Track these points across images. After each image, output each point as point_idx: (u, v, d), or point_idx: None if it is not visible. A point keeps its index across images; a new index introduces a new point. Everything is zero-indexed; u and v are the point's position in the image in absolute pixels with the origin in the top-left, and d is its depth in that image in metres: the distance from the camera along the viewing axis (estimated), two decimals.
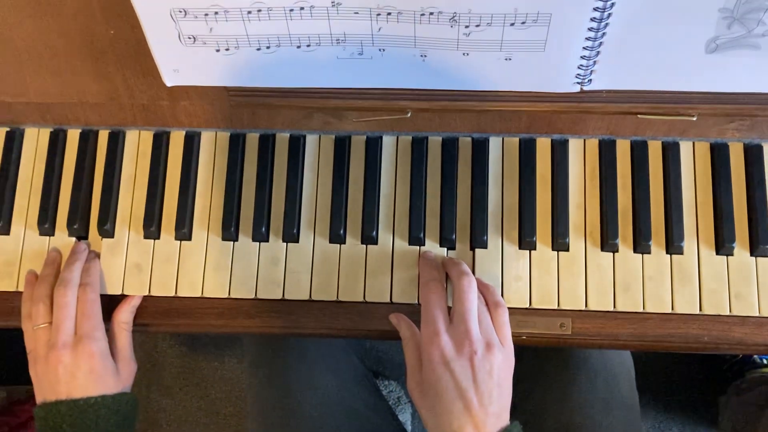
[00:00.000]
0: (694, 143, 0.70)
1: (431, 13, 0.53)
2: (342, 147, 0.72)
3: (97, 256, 0.71)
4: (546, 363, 0.87)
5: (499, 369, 0.60)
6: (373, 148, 0.72)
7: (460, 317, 0.61)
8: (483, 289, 0.65)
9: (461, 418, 0.57)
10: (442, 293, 0.64)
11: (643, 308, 0.68)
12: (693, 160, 0.70)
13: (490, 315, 0.63)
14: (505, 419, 0.60)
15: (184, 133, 0.73)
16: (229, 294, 0.70)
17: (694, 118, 0.61)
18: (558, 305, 0.68)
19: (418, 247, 0.70)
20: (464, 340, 0.59)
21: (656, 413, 1.37)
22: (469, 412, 0.57)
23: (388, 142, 0.72)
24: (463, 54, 0.56)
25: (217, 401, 1.44)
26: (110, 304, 0.70)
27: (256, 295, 0.70)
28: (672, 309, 0.68)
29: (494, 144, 0.72)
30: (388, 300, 0.69)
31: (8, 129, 0.74)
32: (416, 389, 0.61)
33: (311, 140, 0.73)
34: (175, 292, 0.70)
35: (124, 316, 0.70)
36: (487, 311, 0.63)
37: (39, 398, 0.65)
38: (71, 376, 0.64)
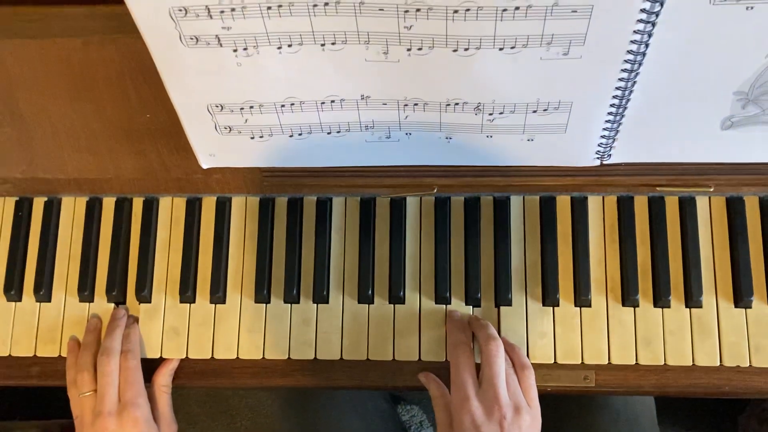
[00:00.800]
0: (710, 198, 0.72)
1: (456, 104, 0.55)
2: (367, 209, 0.74)
3: (136, 321, 0.74)
4: (567, 405, 0.89)
5: (527, 431, 0.62)
6: (398, 209, 0.74)
7: (489, 382, 0.63)
8: (509, 349, 0.67)
9: None
10: (470, 356, 0.66)
11: (665, 362, 0.70)
12: (710, 215, 0.72)
13: (517, 377, 0.65)
14: None
15: (215, 199, 0.75)
16: (263, 356, 0.73)
17: (711, 189, 0.63)
18: (582, 360, 0.71)
19: (444, 306, 0.72)
20: (494, 406, 0.61)
21: None
22: None
23: (411, 202, 0.74)
24: (487, 136, 0.58)
25: (243, 429, 1.46)
26: (149, 366, 0.73)
27: (289, 356, 0.72)
28: (693, 362, 0.70)
29: (515, 202, 0.74)
30: (416, 358, 0.72)
31: (46, 199, 0.76)
32: None
33: (338, 203, 0.75)
34: (212, 355, 0.73)
35: (164, 379, 0.72)
36: (514, 373, 0.65)
37: None
38: None
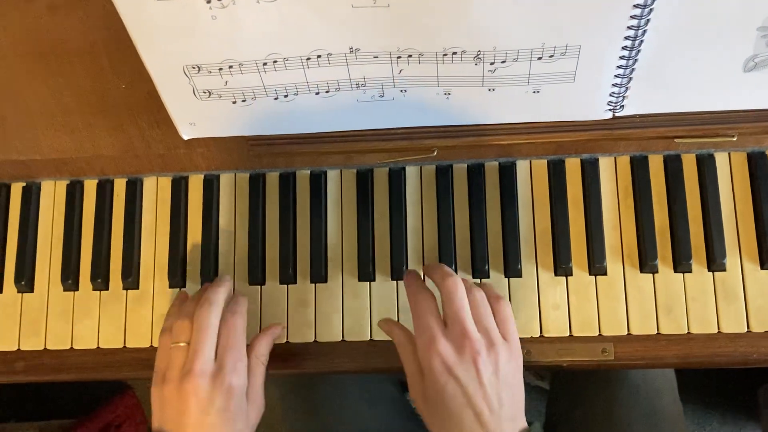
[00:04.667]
0: (730, 153, 0.68)
1: (454, 53, 0.50)
2: (365, 181, 0.70)
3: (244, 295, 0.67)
4: (585, 380, 0.85)
5: (505, 367, 0.55)
6: (397, 180, 0.70)
7: (454, 318, 0.56)
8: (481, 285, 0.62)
9: (473, 429, 0.53)
10: (432, 299, 0.59)
11: (688, 330, 0.66)
12: (730, 172, 0.68)
13: (491, 309, 0.59)
14: (521, 422, 0.56)
15: (202, 176, 0.71)
16: None
17: (734, 139, 0.58)
18: (599, 332, 0.66)
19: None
20: (464, 341, 0.54)
21: (695, 407, 1.35)
22: (479, 420, 0.53)
23: (411, 172, 0.70)
24: (489, 90, 0.54)
25: None
26: (140, 355, 0.69)
27: (287, 339, 0.68)
28: (718, 329, 0.65)
29: (522, 167, 0.69)
30: None
31: (24, 184, 0.72)
32: (421, 400, 0.57)
33: (332, 176, 0.71)
34: None
35: (263, 348, 0.63)
36: (489, 305, 0.58)
37: (156, 423, 0.58)
38: (202, 412, 0.56)
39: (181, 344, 0.59)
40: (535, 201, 0.69)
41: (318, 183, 0.70)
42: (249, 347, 0.63)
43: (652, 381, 0.82)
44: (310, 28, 0.49)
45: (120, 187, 0.72)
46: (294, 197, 0.70)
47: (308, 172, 0.70)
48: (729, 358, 0.66)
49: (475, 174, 0.69)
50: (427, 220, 0.69)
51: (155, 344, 0.69)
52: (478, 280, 0.68)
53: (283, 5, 0.47)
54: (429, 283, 0.62)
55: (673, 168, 0.68)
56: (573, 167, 0.69)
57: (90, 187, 0.72)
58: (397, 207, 0.69)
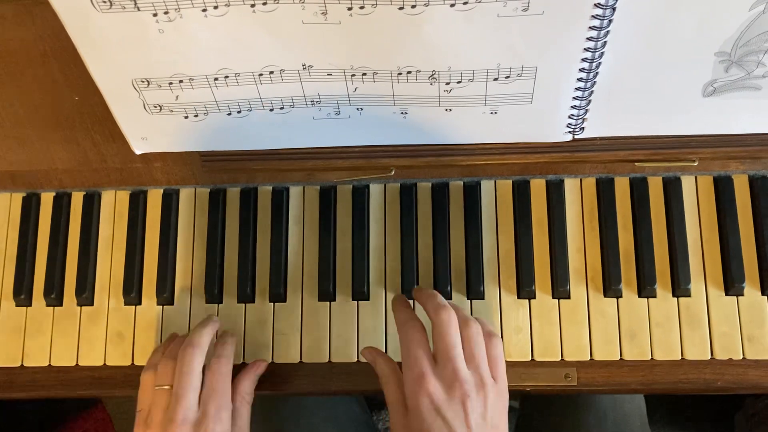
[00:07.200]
0: (696, 177, 0.67)
1: (409, 72, 0.49)
2: (327, 198, 0.69)
3: (233, 334, 0.66)
4: (554, 403, 0.84)
5: (493, 409, 0.54)
6: (360, 197, 0.68)
7: (445, 356, 0.55)
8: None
9: None
10: (422, 331, 0.57)
11: (652, 356, 0.65)
12: (696, 195, 0.67)
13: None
14: None
15: (161, 191, 0.70)
16: None
17: (695, 164, 0.57)
18: (562, 357, 0.65)
19: (413, 301, 0.67)
20: (454, 382, 0.53)
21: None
22: None
23: (375, 190, 0.69)
24: (446, 110, 0.53)
25: None
26: (94, 372, 0.67)
27: (243, 359, 0.67)
28: (682, 356, 0.64)
29: (486, 187, 0.68)
30: None
31: None
32: None
33: (295, 192, 0.69)
34: None
35: (248, 386, 0.63)
36: (483, 341, 0.57)
37: None
38: None
39: (165, 387, 0.58)
40: (499, 222, 0.68)
41: (279, 199, 0.69)
42: (233, 386, 0.62)
43: (621, 406, 0.81)
44: (261, 43, 0.48)
45: (77, 200, 0.70)
46: (255, 213, 0.69)
47: (270, 188, 0.69)
48: (693, 385, 0.65)
49: (439, 193, 0.68)
50: (389, 239, 0.68)
51: (109, 362, 0.67)
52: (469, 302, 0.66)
53: (233, 20, 0.46)
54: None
55: (639, 191, 0.67)
56: (538, 188, 0.68)
57: (47, 200, 0.71)
58: (360, 225, 0.68)
